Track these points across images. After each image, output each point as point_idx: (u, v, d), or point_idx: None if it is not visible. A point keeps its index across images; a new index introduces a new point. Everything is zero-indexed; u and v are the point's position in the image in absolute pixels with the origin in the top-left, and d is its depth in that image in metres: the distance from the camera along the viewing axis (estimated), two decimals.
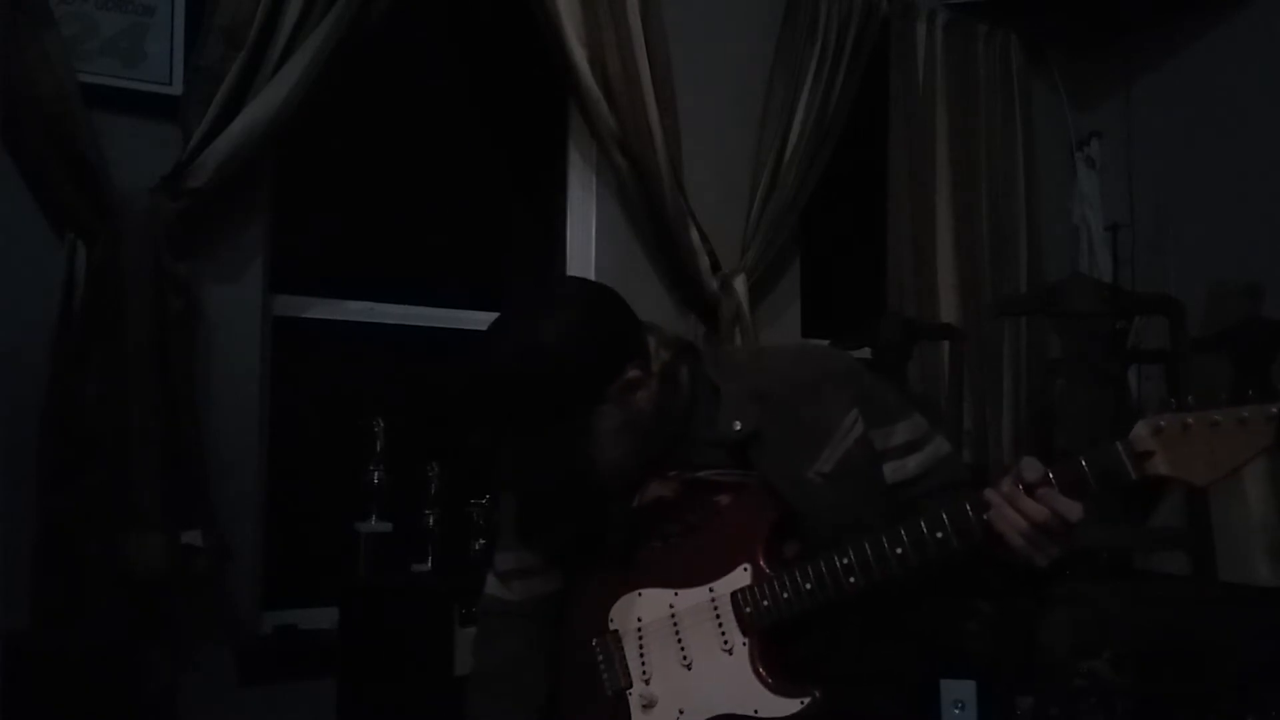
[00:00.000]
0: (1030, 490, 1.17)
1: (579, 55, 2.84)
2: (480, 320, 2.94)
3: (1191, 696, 2.37)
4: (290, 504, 2.65)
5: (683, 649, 1.36)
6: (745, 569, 1.33)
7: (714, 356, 1.47)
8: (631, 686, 1.39)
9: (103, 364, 2.20)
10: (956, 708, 2.13)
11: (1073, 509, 1.15)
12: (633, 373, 1.32)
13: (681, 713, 1.34)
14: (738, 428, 1.34)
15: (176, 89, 2.34)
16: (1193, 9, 3.65)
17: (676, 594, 1.37)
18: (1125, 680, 2.38)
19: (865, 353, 3.13)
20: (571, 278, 2.76)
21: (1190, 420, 1.10)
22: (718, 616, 1.34)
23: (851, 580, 1.26)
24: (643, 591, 1.40)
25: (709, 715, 1.32)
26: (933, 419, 1.49)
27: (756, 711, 1.29)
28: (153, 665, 2.20)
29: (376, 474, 2.51)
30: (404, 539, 2.52)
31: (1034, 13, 3.71)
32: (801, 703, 1.27)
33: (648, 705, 1.37)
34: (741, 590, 1.32)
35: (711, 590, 1.34)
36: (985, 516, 1.19)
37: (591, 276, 3.09)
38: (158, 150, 2.31)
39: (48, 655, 2.05)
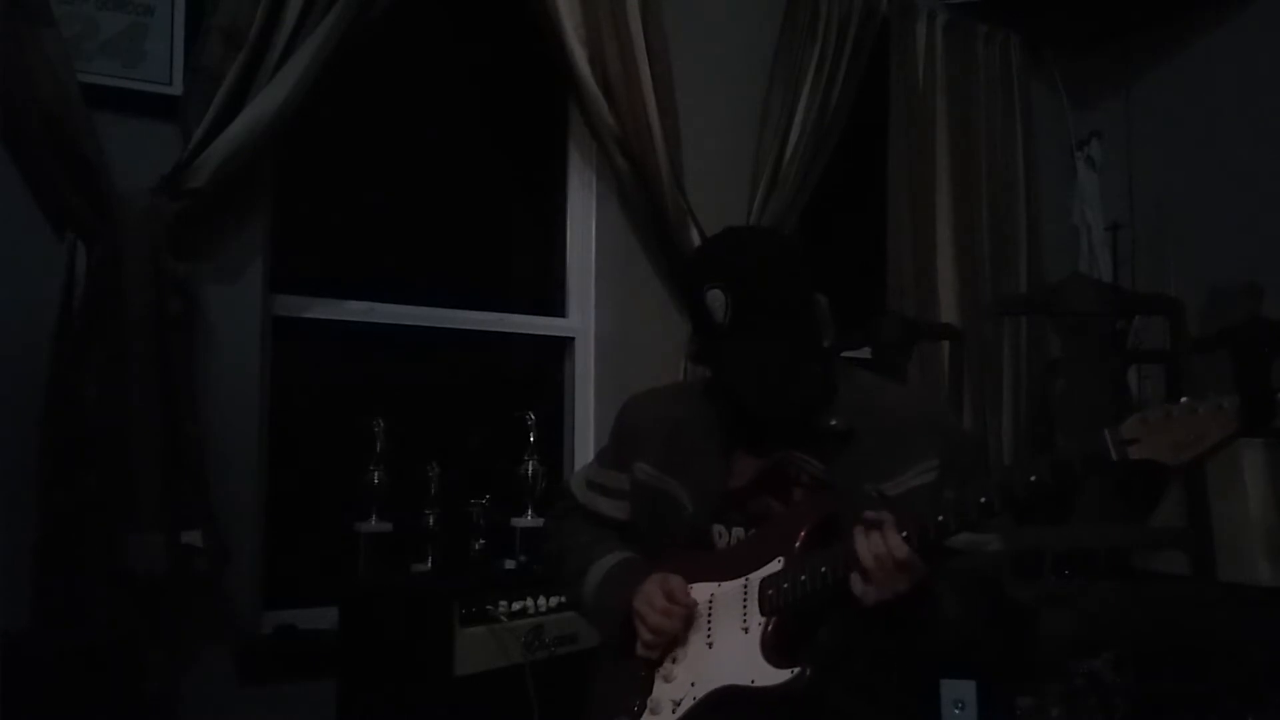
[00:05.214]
0: (876, 527, 1.33)
1: (579, 55, 2.84)
2: (480, 320, 2.96)
3: (1191, 696, 2.37)
4: (290, 504, 2.65)
5: (710, 630, 1.47)
6: (779, 560, 1.45)
7: (843, 360, 1.64)
8: (661, 664, 1.50)
9: (103, 364, 2.20)
10: (956, 708, 2.13)
11: (899, 547, 1.30)
12: (822, 298, 1.48)
13: (693, 685, 1.45)
14: (833, 424, 1.49)
15: (176, 89, 2.33)
16: (1193, 9, 3.65)
17: (719, 585, 1.49)
18: (1125, 680, 2.39)
19: (865, 353, 3.13)
20: None
21: (1174, 411, 1.23)
22: (745, 600, 1.45)
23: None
24: (692, 585, 1.50)
25: (714, 687, 1.42)
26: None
27: (753, 681, 1.39)
28: (153, 665, 2.20)
29: (376, 474, 2.51)
30: (404, 539, 2.52)
31: (1034, 13, 3.71)
32: (791, 673, 1.37)
33: (667, 679, 1.48)
34: (769, 576, 1.45)
35: (746, 580, 1.47)
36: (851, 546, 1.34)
37: (591, 276, 3.10)
38: (158, 150, 2.30)
39: (48, 655, 2.05)
